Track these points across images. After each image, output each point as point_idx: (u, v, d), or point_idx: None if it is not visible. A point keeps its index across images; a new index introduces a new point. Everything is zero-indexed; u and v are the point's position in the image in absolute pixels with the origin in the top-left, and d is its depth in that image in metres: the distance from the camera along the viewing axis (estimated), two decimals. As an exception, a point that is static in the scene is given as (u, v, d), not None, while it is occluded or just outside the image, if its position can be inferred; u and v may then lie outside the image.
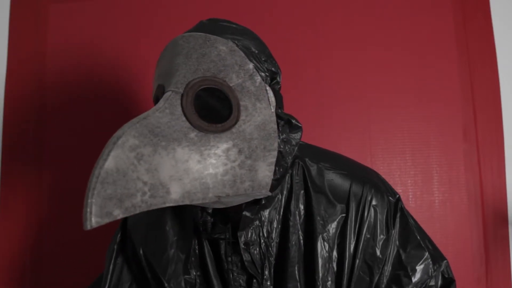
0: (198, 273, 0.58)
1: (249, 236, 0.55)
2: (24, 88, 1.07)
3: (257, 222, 0.56)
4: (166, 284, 0.56)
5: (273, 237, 0.57)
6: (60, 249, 1.01)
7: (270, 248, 0.57)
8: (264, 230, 0.57)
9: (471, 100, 1.03)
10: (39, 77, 1.07)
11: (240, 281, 0.56)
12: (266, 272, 0.56)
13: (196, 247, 0.58)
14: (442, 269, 0.64)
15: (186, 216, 0.59)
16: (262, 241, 0.56)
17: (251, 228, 0.56)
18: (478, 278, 0.98)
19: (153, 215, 0.59)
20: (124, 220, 0.62)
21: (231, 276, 0.56)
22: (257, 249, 0.56)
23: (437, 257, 0.65)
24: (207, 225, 0.55)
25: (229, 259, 0.56)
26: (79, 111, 1.05)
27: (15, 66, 1.08)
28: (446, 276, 0.64)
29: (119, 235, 0.62)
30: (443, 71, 1.04)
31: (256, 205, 0.55)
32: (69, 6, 1.08)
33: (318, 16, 1.05)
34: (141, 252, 0.58)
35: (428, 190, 1.01)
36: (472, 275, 0.98)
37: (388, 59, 1.04)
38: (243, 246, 0.55)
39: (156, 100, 0.50)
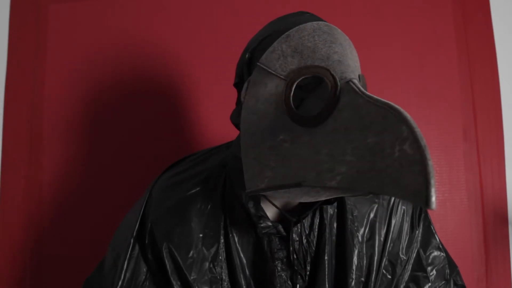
0: (224, 271, 0.57)
1: (294, 232, 0.56)
2: (24, 87, 1.07)
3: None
4: (192, 283, 0.55)
5: (313, 233, 0.58)
6: (60, 249, 1.01)
7: (311, 245, 0.58)
8: (305, 227, 0.58)
9: (471, 100, 1.03)
10: (39, 77, 1.07)
11: (284, 276, 0.56)
12: (308, 268, 0.57)
13: (223, 245, 0.58)
14: (454, 275, 0.66)
15: (212, 213, 0.59)
16: (303, 237, 0.57)
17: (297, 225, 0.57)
18: (478, 278, 0.98)
19: (177, 211, 0.58)
20: (143, 214, 0.60)
21: (276, 272, 0.56)
22: (299, 245, 0.57)
23: (452, 263, 0.67)
24: (262, 220, 0.54)
25: (275, 255, 0.56)
26: (79, 111, 1.05)
27: (15, 66, 1.08)
28: (458, 283, 0.66)
29: (135, 230, 0.60)
30: (443, 71, 1.04)
31: (316, 202, 0.56)
32: (69, 6, 1.08)
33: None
34: (165, 248, 0.56)
35: (428, 190, 1.01)
36: (472, 275, 0.98)
37: (388, 59, 1.04)
38: (297, 239, 0.56)
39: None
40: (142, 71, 1.05)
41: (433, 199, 0.32)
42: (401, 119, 0.36)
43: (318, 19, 0.53)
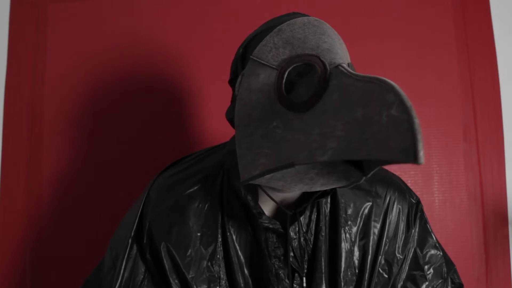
0: (222, 269, 0.58)
1: (291, 230, 0.57)
2: (24, 87, 1.07)
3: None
4: (190, 281, 0.55)
5: (310, 231, 0.59)
6: (60, 249, 1.01)
7: (308, 243, 0.58)
8: (302, 225, 0.58)
9: (471, 100, 1.03)
10: (39, 77, 1.07)
11: (282, 274, 0.56)
12: (306, 266, 0.57)
13: (221, 243, 0.58)
14: (451, 273, 0.66)
15: (210, 211, 0.59)
16: (301, 235, 0.57)
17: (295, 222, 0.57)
18: (478, 278, 0.98)
19: (175, 210, 0.59)
20: (141, 214, 0.61)
21: (273, 269, 0.56)
22: (297, 243, 0.57)
23: (449, 261, 0.67)
24: (261, 216, 0.55)
25: (272, 252, 0.56)
26: (79, 111, 1.05)
27: (15, 66, 1.08)
28: (455, 281, 0.66)
29: (133, 230, 0.60)
30: (443, 71, 1.04)
31: (312, 198, 0.56)
32: (69, 6, 1.08)
33: (318, 17, 1.05)
34: (163, 247, 0.57)
35: (428, 190, 1.01)
36: (472, 275, 0.98)
37: (388, 59, 1.04)
38: (294, 237, 0.56)
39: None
40: (142, 71, 1.05)
41: (421, 153, 0.33)
42: (387, 87, 0.37)
43: (306, 16, 0.54)
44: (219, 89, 1.03)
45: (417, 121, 0.34)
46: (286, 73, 0.47)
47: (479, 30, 1.05)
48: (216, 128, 1.03)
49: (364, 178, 0.46)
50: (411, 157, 0.33)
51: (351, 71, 0.42)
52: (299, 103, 0.44)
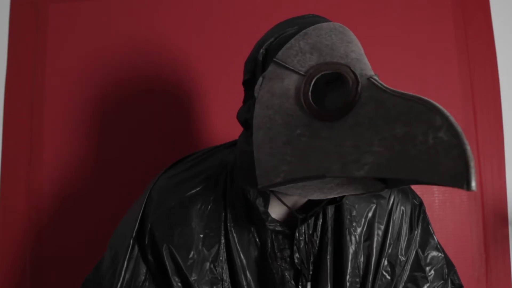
0: (225, 271, 0.57)
1: (298, 231, 0.56)
2: (24, 88, 1.07)
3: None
4: (192, 283, 0.55)
5: (316, 233, 0.59)
6: (61, 249, 1.01)
7: (314, 245, 0.58)
8: (309, 227, 0.58)
9: (471, 100, 1.03)
10: (39, 77, 1.07)
11: (287, 276, 0.56)
12: (311, 267, 0.57)
13: (223, 245, 0.58)
14: (452, 275, 0.67)
15: (213, 213, 0.58)
16: (306, 237, 0.57)
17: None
18: (478, 278, 0.98)
19: (178, 211, 0.58)
20: (142, 215, 0.60)
21: (279, 271, 0.56)
22: (302, 244, 0.57)
23: (449, 262, 0.67)
24: (268, 218, 0.54)
25: (278, 254, 0.56)
26: (79, 111, 1.05)
27: (15, 66, 1.08)
28: (455, 282, 0.67)
29: (134, 230, 0.59)
30: (443, 71, 1.04)
31: (322, 202, 0.56)
32: (69, 6, 1.08)
33: (318, 16, 1.05)
34: (165, 248, 0.56)
35: (428, 190, 1.01)
36: (472, 275, 0.98)
37: (388, 59, 1.04)
38: (300, 238, 0.56)
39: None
40: (142, 71, 1.05)
41: (474, 182, 0.32)
42: (433, 109, 0.36)
43: (326, 20, 0.53)
44: (219, 89, 1.03)
45: (469, 147, 0.33)
46: (314, 80, 0.45)
47: (479, 30, 1.05)
48: (217, 128, 1.03)
49: (385, 190, 0.45)
50: (464, 184, 0.32)
51: (385, 84, 0.42)
52: (328, 112, 0.43)
